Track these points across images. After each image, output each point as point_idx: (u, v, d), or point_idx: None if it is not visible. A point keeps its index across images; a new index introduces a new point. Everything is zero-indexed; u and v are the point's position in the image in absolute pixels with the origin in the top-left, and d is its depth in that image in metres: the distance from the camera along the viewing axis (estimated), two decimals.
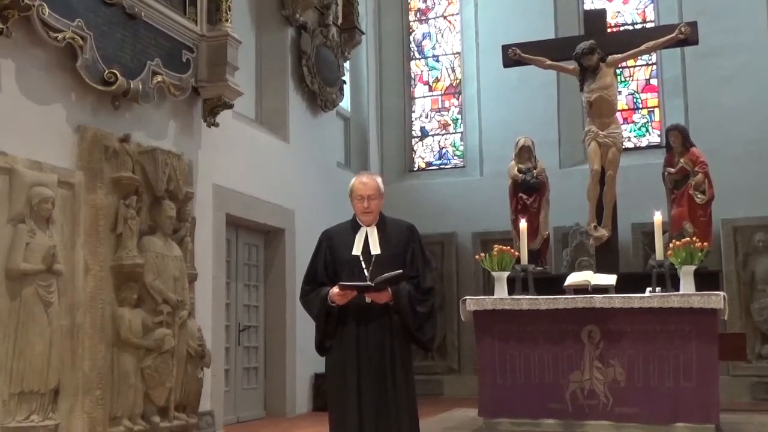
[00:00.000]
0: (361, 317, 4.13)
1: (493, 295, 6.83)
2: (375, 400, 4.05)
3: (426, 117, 12.74)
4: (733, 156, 10.11)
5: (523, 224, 7.13)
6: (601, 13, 8.76)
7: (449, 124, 12.62)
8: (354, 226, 4.30)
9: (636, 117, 11.71)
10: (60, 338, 5.54)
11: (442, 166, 12.53)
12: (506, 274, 6.85)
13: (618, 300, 6.31)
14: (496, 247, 6.98)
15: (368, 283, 4.06)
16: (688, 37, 7.84)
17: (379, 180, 4.33)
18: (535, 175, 9.09)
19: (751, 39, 10.56)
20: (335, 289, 4.08)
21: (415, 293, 4.14)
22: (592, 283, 6.74)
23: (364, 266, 4.16)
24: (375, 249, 4.20)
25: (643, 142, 11.58)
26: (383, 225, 4.29)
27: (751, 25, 10.59)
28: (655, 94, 11.61)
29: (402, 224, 4.36)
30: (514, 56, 8.29)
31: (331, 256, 4.27)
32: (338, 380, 4.15)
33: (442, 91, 12.72)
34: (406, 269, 4.11)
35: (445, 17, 12.83)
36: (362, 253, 4.20)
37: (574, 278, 6.99)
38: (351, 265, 4.19)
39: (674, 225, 8.35)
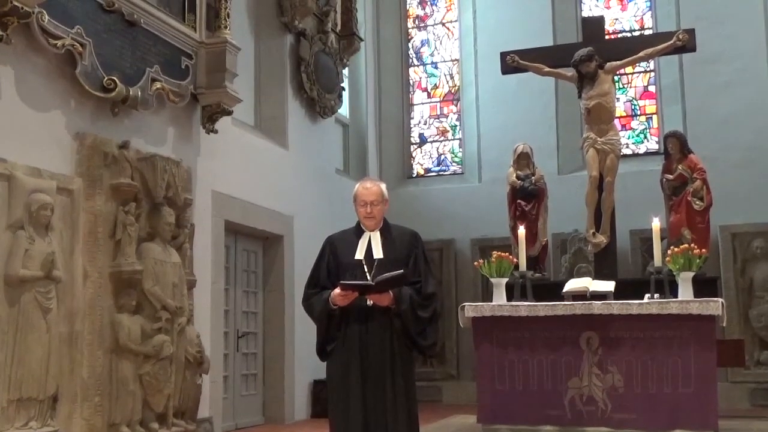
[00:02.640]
0: (362, 319, 4.14)
1: (491, 301, 6.82)
2: (376, 401, 4.06)
3: (424, 123, 12.75)
4: (731, 162, 10.13)
5: (521, 231, 7.13)
6: (599, 20, 8.78)
7: (448, 131, 12.63)
8: (357, 232, 4.35)
9: (634, 124, 11.73)
10: (59, 345, 5.54)
11: (440, 173, 12.54)
12: (505, 280, 6.84)
13: (616, 306, 6.30)
14: (495, 253, 6.97)
15: (369, 282, 4.07)
16: (686, 44, 7.88)
17: (383, 186, 4.37)
18: (533, 181, 9.10)
19: (749, 45, 10.59)
20: (336, 290, 4.10)
21: (417, 297, 4.16)
22: (591, 289, 6.74)
23: (366, 270, 4.19)
24: (378, 253, 4.23)
25: (642, 149, 11.59)
26: (387, 231, 4.33)
27: (748, 32, 10.62)
28: (653, 101, 11.62)
29: (406, 231, 4.40)
30: (512, 63, 8.32)
31: (335, 260, 4.30)
32: (341, 382, 4.15)
33: (441, 98, 12.74)
34: (408, 274, 4.13)
35: (443, 24, 12.86)
36: (365, 257, 4.23)
37: (572, 284, 7.00)
38: (354, 268, 4.22)
39: (672, 231, 8.36)
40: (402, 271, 4.04)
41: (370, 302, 4.12)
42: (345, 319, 4.18)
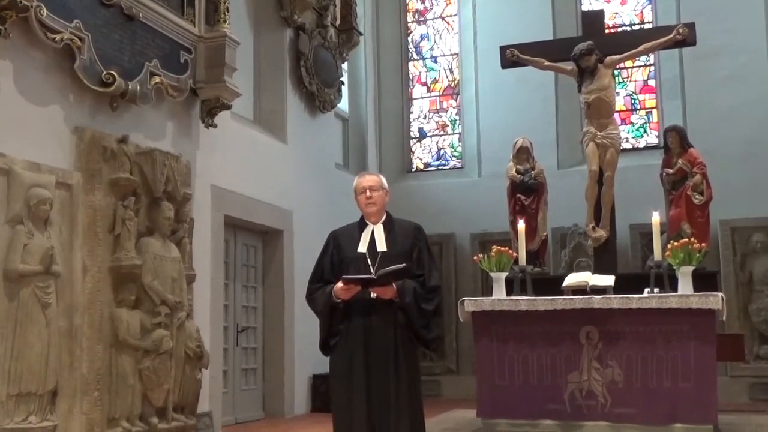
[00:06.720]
0: (366, 313, 4.13)
1: (491, 296, 6.82)
2: (380, 394, 4.06)
3: (424, 118, 12.74)
4: (731, 157, 10.12)
5: (521, 225, 7.12)
6: (599, 14, 8.76)
7: (447, 125, 12.63)
8: (361, 225, 4.35)
9: (634, 118, 11.72)
10: (58, 339, 5.54)
11: (440, 167, 12.54)
12: (504, 275, 6.84)
13: (616, 301, 6.30)
14: (495, 248, 6.97)
15: (371, 275, 4.07)
16: (686, 38, 7.85)
17: (382, 177, 4.39)
18: (533, 176, 9.11)
19: (749, 40, 10.57)
20: (339, 284, 4.10)
21: (421, 290, 4.14)
22: (591, 283, 6.73)
23: (370, 263, 4.18)
24: (381, 246, 4.23)
25: (641, 143, 11.59)
26: (390, 224, 4.33)
27: (748, 26, 10.61)
28: (653, 95, 11.62)
29: (409, 224, 4.40)
30: (512, 57, 8.30)
31: (338, 254, 4.30)
32: (344, 375, 4.14)
33: (441, 92, 12.72)
34: (411, 267, 4.12)
35: (443, 18, 12.84)
36: (368, 250, 4.23)
37: (572, 279, 6.99)
38: (357, 262, 4.21)
39: (672, 226, 8.36)
40: (405, 264, 4.03)
41: (373, 295, 4.11)
42: (348, 313, 4.17)
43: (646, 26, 11.43)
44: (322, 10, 10.33)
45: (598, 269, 7.54)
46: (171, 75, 6.92)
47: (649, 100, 11.68)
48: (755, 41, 10.58)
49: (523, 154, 9.20)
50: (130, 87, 6.31)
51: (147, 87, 6.58)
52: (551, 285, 7.25)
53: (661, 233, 6.73)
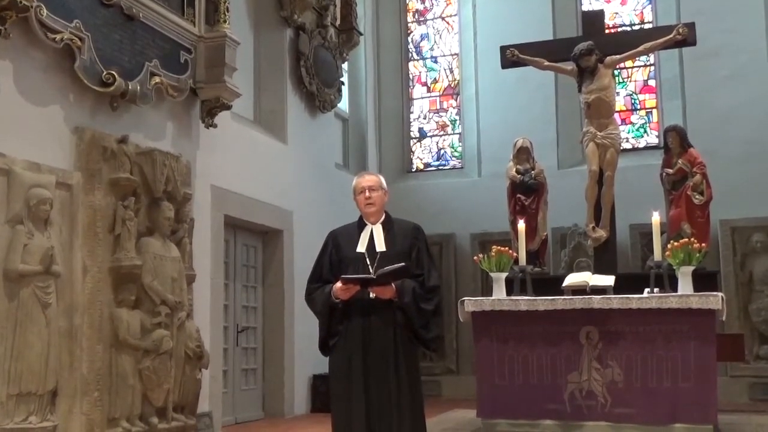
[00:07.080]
0: (365, 313, 4.13)
1: (491, 296, 6.82)
2: (380, 395, 4.05)
3: (424, 118, 12.74)
4: (731, 157, 10.13)
5: (521, 225, 7.12)
6: (599, 14, 8.76)
7: (447, 125, 12.62)
8: (360, 225, 4.35)
9: (634, 118, 11.72)
10: (58, 339, 5.54)
11: (440, 167, 12.53)
12: (504, 275, 6.84)
13: (616, 301, 6.30)
14: (495, 248, 6.97)
15: (370, 275, 4.06)
16: (686, 38, 7.85)
17: (381, 177, 4.39)
18: (533, 176, 9.11)
19: (749, 40, 10.57)
20: (338, 284, 4.09)
21: (420, 290, 4.14)
22: (591, 283, 6.73)
23: (369, 263, 4.17)
24: (380, 246, 4.22)
25: (641, 143, 11.59)
26: (389, 224, 4.32)
27: (748, 26, 10.61)
28: (653, 95, 11.62)
29: (408, 224, 4.40)
30: (512, 57, 8.30)
31: (337, 254, 4.29)
32: (343, 376, 4.13)
33: (441, 92, 12.72)
34: (410, 267, 4.12)
35: (443, 18, 12.84)
36: (367, 250, 4.22)
37: (572, 279, 6.99)
38: (356, 262, 4.21)
39: (672, 226, 8.36)
40: (403, 264, 4.03)
41: (372, 295, 4.10)
42: (347, 313, 4.16)
43: (646, 26, 11.43)
44: (322, 10, 10.33)
45: (598, 269, 7.54)
46: (171, 75, 6.92)
47: (649, 100, 11.68)
48: (755, 41, 10.58)
49: (523, 154, 9.20)
50: (130, 87, 6.31)
51: (147, 87, 6.58)
52: (551, 285, 7.24)
53: (661, 233, 6.73)
